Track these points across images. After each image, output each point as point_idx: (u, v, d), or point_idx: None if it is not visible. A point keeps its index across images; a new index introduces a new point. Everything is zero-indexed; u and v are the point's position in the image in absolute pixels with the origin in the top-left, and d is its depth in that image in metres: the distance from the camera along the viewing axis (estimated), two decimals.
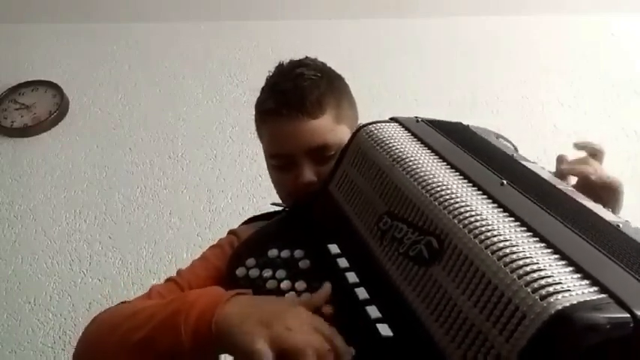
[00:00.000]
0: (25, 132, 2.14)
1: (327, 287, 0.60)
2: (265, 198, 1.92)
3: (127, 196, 1.95)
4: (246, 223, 0.94)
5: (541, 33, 2.51)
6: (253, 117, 0.89)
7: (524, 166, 0.69)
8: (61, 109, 2.18)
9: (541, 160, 0.77)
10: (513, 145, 0.85)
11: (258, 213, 0.95)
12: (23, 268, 1.77)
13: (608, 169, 0.74)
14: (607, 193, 0.70)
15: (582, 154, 0.75)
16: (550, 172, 0.71)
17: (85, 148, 2.10)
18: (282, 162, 0.82)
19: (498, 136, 0.83)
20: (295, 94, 0.78)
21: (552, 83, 2.31)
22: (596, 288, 0.42)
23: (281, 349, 0.50)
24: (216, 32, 2.51)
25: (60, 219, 1.89)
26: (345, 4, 2.53)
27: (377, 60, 2.34)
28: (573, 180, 0.73)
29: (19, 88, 2.27)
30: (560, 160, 0.75)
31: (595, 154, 0.74)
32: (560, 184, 0.65)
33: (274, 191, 0.88)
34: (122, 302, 0.73)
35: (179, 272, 0.78)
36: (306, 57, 0.88)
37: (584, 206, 0.58)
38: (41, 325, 1.64)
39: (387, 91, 2.23)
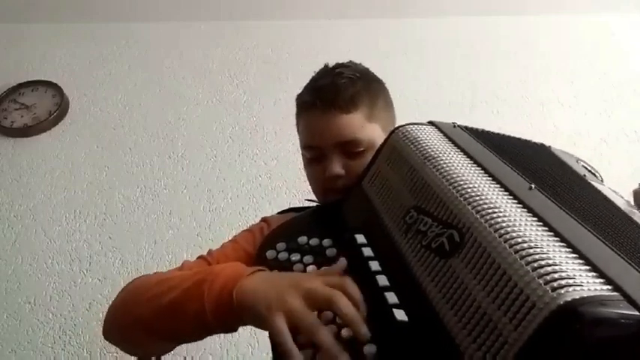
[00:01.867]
0: (25, 132, 2.13)
1: (342, 262, 0.63)
2: (264, 198, 1.93)
3: (127, 196, 1.95)
4: (281, 213, 0.98)
5: (541, 33, 2.51)
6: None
7: (588, 184, 0.69)
8: (61, 109, 2.18)
9: None
10: (596, 173, 0.84)
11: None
12: (23, 268, 1.77)
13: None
14: None
15: None
16: (627, 200, 0.71)
17: (85, 148, 2.10)
18: (313, 154, 0.86)
19: (579, 160, 0.84)
20: (330, 89, 0.83)
21: (552, 83, 2.31)
22: (609, 286, 0.43)
23: (296, 323, 0.53)
24: (216, 32, 2.51)
25: (60, 219, 1.89)
26: (345, 5, 2.53)
27: (377, 60, 2.32)
28: None
29: (19, 88, 2.26)
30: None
31: None
32: (625, 206, 0.65)
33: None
34: (155, 272, 0.78)
35: (210, 252, 0.83)
36: (350, 61, 0.92)
37: (629, 217, 0.59)
38: (41, 325, 1.64)
39: None
